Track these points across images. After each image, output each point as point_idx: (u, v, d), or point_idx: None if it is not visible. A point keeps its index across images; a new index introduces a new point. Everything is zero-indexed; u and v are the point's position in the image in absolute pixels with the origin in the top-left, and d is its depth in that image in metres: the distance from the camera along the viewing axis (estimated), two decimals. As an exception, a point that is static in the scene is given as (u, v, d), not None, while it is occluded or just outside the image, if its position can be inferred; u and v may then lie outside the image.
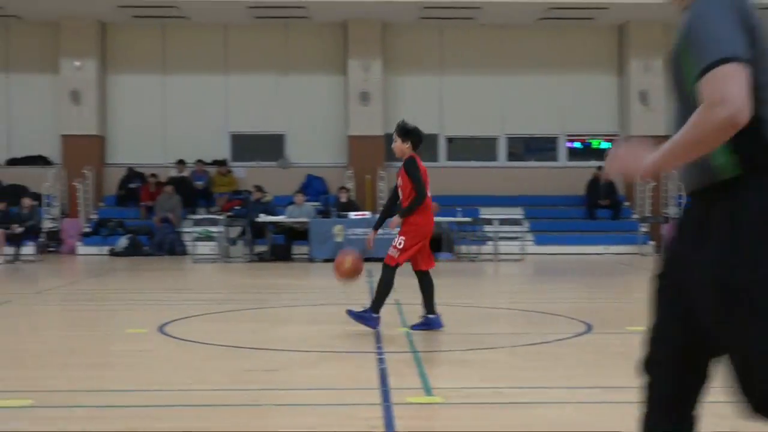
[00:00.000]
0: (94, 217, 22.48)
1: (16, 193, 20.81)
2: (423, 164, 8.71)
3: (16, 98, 23.48)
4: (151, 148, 23.68)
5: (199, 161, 23.41)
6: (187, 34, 23.81)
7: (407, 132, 8.70)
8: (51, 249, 21.31)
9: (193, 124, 23.74)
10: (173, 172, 23.33)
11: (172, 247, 21.13)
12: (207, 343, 8.08)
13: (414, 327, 8.79)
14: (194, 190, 22.99)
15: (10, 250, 18.86)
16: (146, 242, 21.22)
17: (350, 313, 8.67)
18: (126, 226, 21.69)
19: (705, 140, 2.69)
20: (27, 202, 19.59)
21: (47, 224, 21.46)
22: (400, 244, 8.60)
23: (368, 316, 8.62)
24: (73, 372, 6.88)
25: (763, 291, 2.70)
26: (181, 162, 23.33)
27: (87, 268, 18.42)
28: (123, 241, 21.00)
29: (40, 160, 23.32)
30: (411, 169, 8.59)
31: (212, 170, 23.53)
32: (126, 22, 23.36)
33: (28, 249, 19.41)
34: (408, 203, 8.60)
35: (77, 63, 22.81)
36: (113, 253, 20.78)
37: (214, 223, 20.63)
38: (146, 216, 22.26)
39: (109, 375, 6.86)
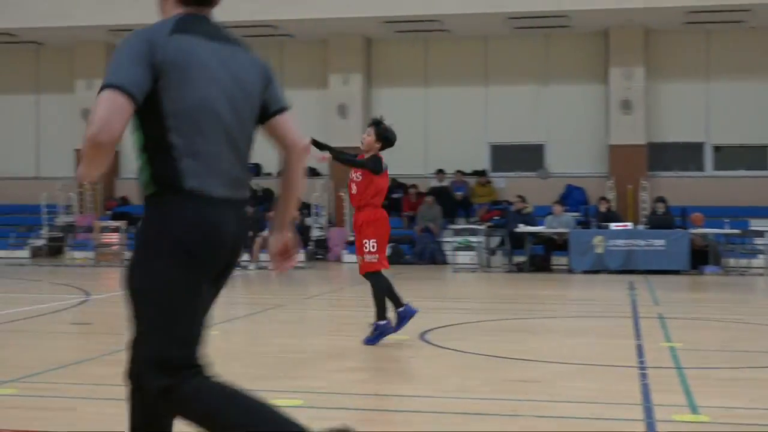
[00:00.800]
0: (358, 226, 23.28)
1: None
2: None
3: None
4: (413, 159, 24.25)
5: (459, 171, 23.73)
6: (448, 46, 24.24)
7: (383, 134, 8.69)
8: (319, 256, 22.28)
9: (453, 135, 24.12)
10: (434, 183, 23.80)
11: (432, 256, 21.54)
12: (467, 352, 8.19)
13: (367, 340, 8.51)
14: (454, 200, 23.33)
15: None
16: (408, 251, 21.74)
17: (368, 342, 8.49)
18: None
19: (86, 153, 3.13)
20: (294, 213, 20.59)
21: (315, 233, 22.45)
22: (373, 247, 8.39)
23: (382, 328, 8.47)
24: (340, 375, 7.18)
25: (133, 289, 3.32)
26: (441, 172, 23.76)
27: (352, 275, 19.10)
28: (385, 250, 21.61)
29: (309, 172, 24.47)
30: (373, 168, 8.53)
31: (472, 180, 23.80)
32: (390, 37, 24.08)
33: (299, 256, 20.38)
34: (365, 196, 8.48)
35: (343, 77, 23.76)
36: (376, 261, 21.42)
37: (473, 233, 20.84)
38: (408, 225, 22.81)
39: (372, 380, 7.11)
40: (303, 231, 20.62)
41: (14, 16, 22.61)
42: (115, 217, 22.74)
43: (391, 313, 8.72)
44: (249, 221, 3.57)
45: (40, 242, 22.76)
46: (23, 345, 8.87)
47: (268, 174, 24.62)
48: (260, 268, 19.33)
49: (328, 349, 8.57)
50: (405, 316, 8.53)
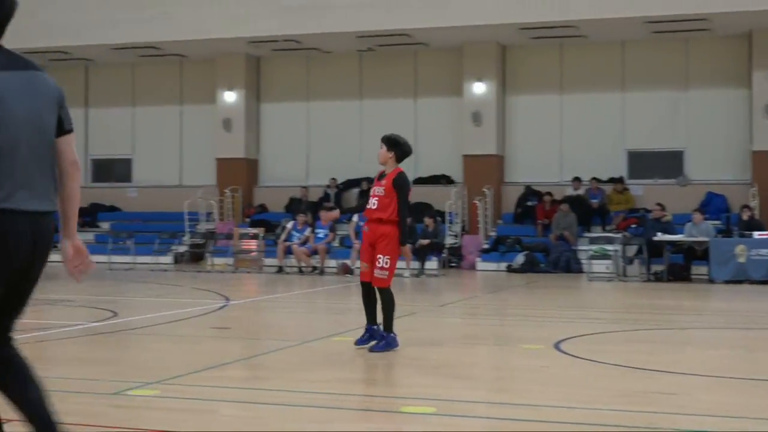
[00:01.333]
0: (493, 234, 23.21)
1: (421, 210, 22.01)
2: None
3: (423, 120, 24.87)
4: (548, 166, 24.03)
5: (594, 179, 23.38)
6: (584, 52, 23.93)
7: (394, 144, 8.69)
8: (452, 264, 22.29)
9: (589, 142, 23.79)
10: (569, 190, 23.51)
11: (567, 264, 21.27)
12: (602, 362, 8.07)
13: (373, 348, 8.49)
14: (590, 208, 22.99)
15: (416, 264, 19.98)
16: (542, 259, 21.53)
17: (374, 350, 8.46)
18: (523, 243, 22.16)
19: None
20: (428, 220, 20.62)
21: (449, 240, 22.48)
22: (386, 264, 8.47)
23: (389, 339, 8.52)
24: (473, 383, 7.17)
25: None
26: (576, 180, 23.45)
27: (486, 283, 19.06)
28: (520, 258, 21.49)
29: (443, 179, 24.51)
30: (398, 184, 8.57)
31: (608, 188, 23.40)
32: (525, 43, 23.92)
33: (432, 264, 20.44)
34: (398, 225, 8.53)
35: (478, 84, 23.72)
36: (510, 270, 21.32)
37: (610, 241, 20.49)
38: (542, 233, 22.60)
39: (506, 388, 7.08)
40: (436, 238, 20.66)
41: (159, 31, 23.45)
42: (253, 225, 23.28)
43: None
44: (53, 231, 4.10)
45: (182, 249, 23.51)
46: (165, 348, 9.18)
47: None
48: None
49: (460, 358, 8.57)
50: (388, 342, 8.56)
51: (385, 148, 8.77)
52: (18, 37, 23.95)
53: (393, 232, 8.53)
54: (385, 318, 8.57)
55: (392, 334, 8.60)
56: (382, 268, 8.48)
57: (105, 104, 27.10)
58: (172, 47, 24.54)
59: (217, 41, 23.59)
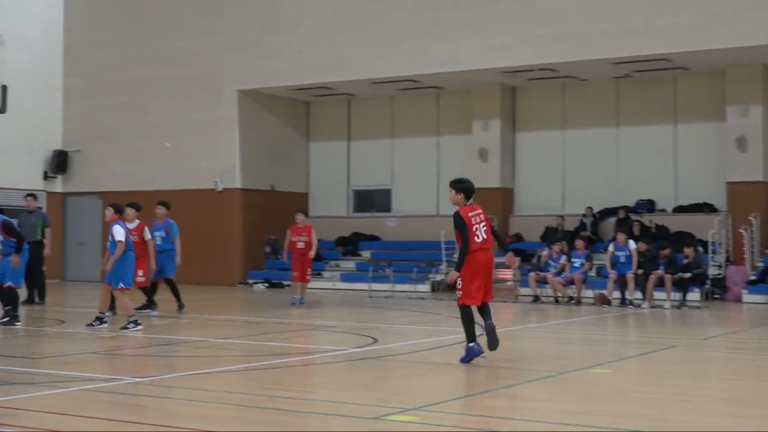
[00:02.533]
0: (760, 264, 22.05)
1: (681, 239, 21.27)
2: (473, 212, 10.00)
3: (683, 147, 24.09)
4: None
5: None
6: None
7: (457, 183, 10.20)
8: (716, 296, 21.37)
9: None
10: None
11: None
12: None
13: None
14: None
15: (677, 295, 19.32)
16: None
17: (462, 361, 9.78)
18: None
19: None
20: (687, 250, 19.87)
21: (713, 271, 21.57)
22: (459, 284, 10.00)
23: (469, 349, 9.76)
24: (737, 420, 6.87)
25: None
26: None
27: (753, 316, 18.13)
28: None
29: (705, 207, 23.58)
30: (456, 223, 10.02)
31: None
32: (794, 64, 22.66)
33: (694, 295, 19.69)
34: (458, 254, 10.08)
35: (742, 108, 22.68)
36: (780, 302, 20.17)
37: None
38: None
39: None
40: (699, 268, 19.88)
41: (418, 64, 24.08)
42: (509, 254, 23.31)
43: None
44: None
45: (439, 277, 23.90)
46: (424, 375, 9.38)
47: (662, 210, 24.09)
48: (654, 306, 18.90)
49: (721, 393, 8.24)
50: (470, 352, 9.78)
51: (453, 191, 10.22)
52: (286, 75, 25.56)
53: (469, 258, 9.99)
54: (464, 330, 9.95)
55: (470, 344, 9.79)
56: (458, 288, 10.08)
57: (366, 137, 28.08)
58: (430, 80, 25.10)
59: (472, 72, 23.92)
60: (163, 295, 16.62)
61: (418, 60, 23.98)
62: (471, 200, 10.16)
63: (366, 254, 26.44)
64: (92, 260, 27.20)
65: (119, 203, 14.38)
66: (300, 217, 19.04)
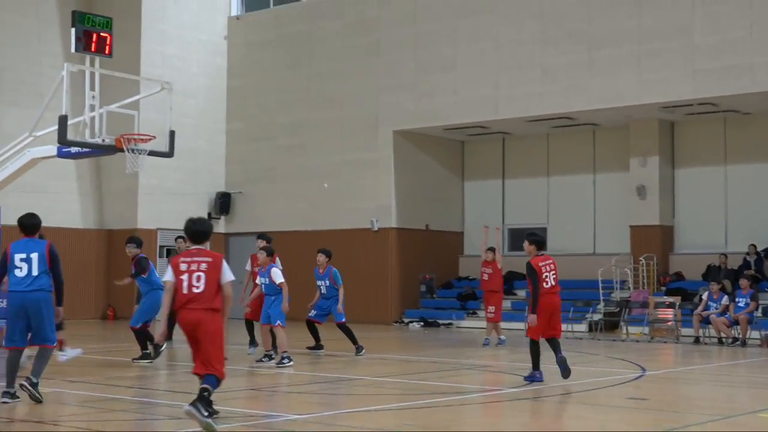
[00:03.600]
0: None
1: None
2: (544, 262, 12.08)
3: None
4: None
5: None
6: None
7: (530, 236, 12.30)
8: None
9: None
10: None
11: None
12: None
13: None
14: None
15: None
16: None
17: (525, 379, 11.90)
18: None
19: None
20: None
21: None
22: (532, 322, 11.83)
23: (532, 374, 11.89)
24: None
25: None
26: None
27: None
28: None
29: None
30: (527, 272, 12.05)
31: None
32: None
33: None
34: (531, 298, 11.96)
35: None
36: None
37: None
38: None
39: None
40: None
41: (573, 101, 23.86)
42: (669, 293, 22.73)
43: None
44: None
45: (596, 317, 23.48)
46: (581, 416, 9.24)
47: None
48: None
49: None
50: (531, 379, 11.84)
51: (527, 243, 12.22)
52: (441, 115, 25.85)
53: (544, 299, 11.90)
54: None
55: (535, 371, 11.92)
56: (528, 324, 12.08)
57: (520, 175, 27.97)
58: (586, 116, 24.83)
59: (630, 108, 23.54)
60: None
61: (573, 97, 23.79)
62: (543, 251, 12.22)
63: (521, 293, 26.23)
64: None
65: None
66: (490, 255, 18.90)
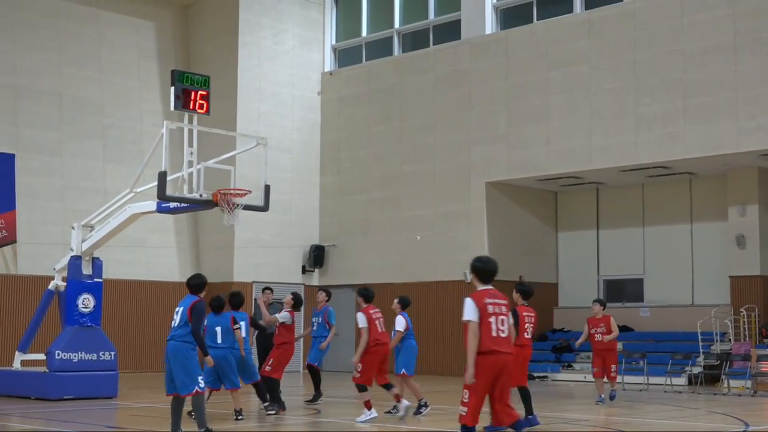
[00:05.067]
0: None
1: None
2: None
3: None
4: None
5: None
6: None
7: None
8: None
9: None
10: None
11: None
12: None
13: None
14: None
15: None
16: None
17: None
18: None
19: None
20: None
21: None
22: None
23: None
24: None
25: None
26: None
27: None
28: None
29: None
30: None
31: None
32: None
33: None
34: None
35: None
36: None
37: None
38: None
39: None
40: None
41: (669, 150, 23.51)
42: (773, 345, 22.08)
43: None
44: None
45: (696, 370, 22.92)
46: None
47: None
48: None
49: None
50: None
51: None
52: (533, 165, 25.81)
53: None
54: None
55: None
56: None
57: (615, 225, 27.63)
58: (682, 165, 24.46)
59: (727, 156, 23.12)
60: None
61: (669, 146, 23.47)
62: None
63: (619, 346, 25.76)
64: (347, 350, 28.06)
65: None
66: (596, 307, 17.74)
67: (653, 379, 22.11)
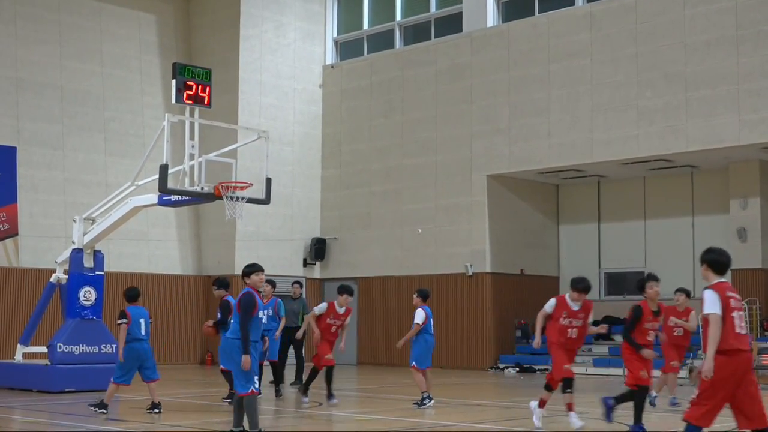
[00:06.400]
0: None
1: None
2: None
3: None
4: None
5: None
6: None
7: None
8: None
9: None
10: None
11: None
12: None
13: None
14: None
15: None
16: None
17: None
18: None
19: None
20: None
21: None
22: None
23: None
24: None
25: None
26: None
27: None
28: None
29: None
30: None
31: None
32: None
33: None
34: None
35: None
36: None
37: None
38: None
39: None
40: None
41: (671, 144, 23.50)
42: (774, 338, 22.09)
43: None
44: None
45: (697, 362, 22.92)
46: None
47: None
48: None
49: None
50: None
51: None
52: (535, 159, 25.77)
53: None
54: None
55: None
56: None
57: (617, 218, 27.64)
58: (683, 159, 24.46)
59: (729, 149, 23.12)
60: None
61: (670, 139, 23.47)
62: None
63: (619, 338, 25.76)
64: (350, 343, 28.06)
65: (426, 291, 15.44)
66: (681, 297, 16.46)
67: (655, 372, 22.06)
